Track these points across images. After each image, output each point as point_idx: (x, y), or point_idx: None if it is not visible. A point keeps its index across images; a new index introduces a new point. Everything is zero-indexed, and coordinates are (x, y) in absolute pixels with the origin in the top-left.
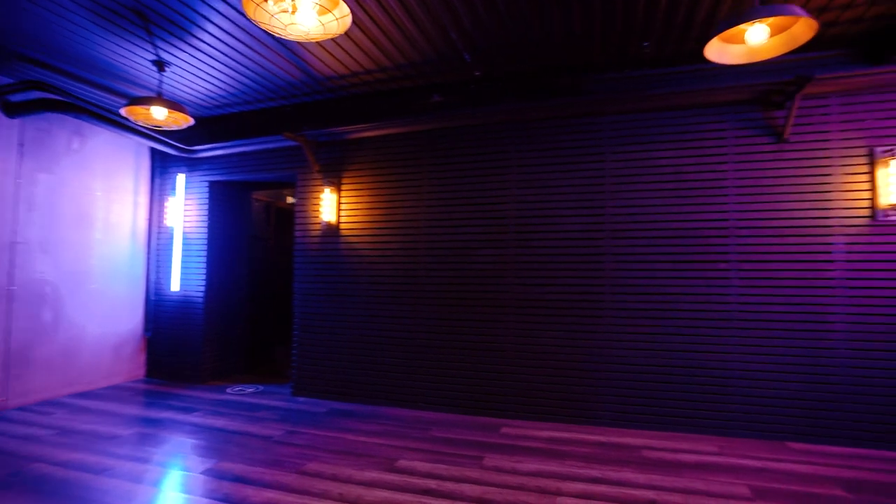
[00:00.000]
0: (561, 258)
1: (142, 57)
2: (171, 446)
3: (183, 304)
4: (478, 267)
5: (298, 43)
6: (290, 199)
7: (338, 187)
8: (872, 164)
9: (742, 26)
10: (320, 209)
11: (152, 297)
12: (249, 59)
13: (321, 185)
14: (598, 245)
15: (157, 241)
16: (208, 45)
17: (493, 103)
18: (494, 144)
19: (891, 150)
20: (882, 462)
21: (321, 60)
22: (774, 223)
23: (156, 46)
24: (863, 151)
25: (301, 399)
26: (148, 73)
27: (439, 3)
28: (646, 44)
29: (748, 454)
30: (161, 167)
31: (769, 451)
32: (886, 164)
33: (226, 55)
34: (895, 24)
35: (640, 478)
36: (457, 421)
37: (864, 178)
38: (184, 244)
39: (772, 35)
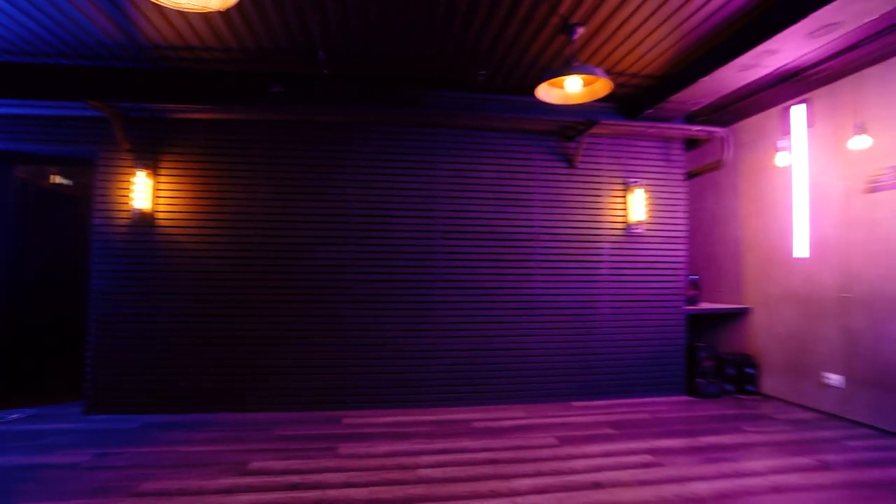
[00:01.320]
0: (398, 256)
1: None
2: None
3: None
4: (319, 263)
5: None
6: (57, 179)
7: (155, 171)
8: (626, 191)
9: (564, 77)
10: (130, 195)
11: None
12: (53, 2)
13: (132, 168)
14: (431, 244)
15: None
16: None
17: (337, 102)
18: (338, 143)
19: (635, 181)
20: (634, 406)
21: (154, 25)
22: (566, 231)
23: None
24: (620, 181)
25: (99, 417)
26: None
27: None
28: (482, 72)
29: (547, 414)
30: None
31: (561, 410)
32: (633, 192)
33: None
34: (644, 92)
35: (476, 444)
36: (297, 418)
37: (621, 200)
38: None
39: (583, 87)
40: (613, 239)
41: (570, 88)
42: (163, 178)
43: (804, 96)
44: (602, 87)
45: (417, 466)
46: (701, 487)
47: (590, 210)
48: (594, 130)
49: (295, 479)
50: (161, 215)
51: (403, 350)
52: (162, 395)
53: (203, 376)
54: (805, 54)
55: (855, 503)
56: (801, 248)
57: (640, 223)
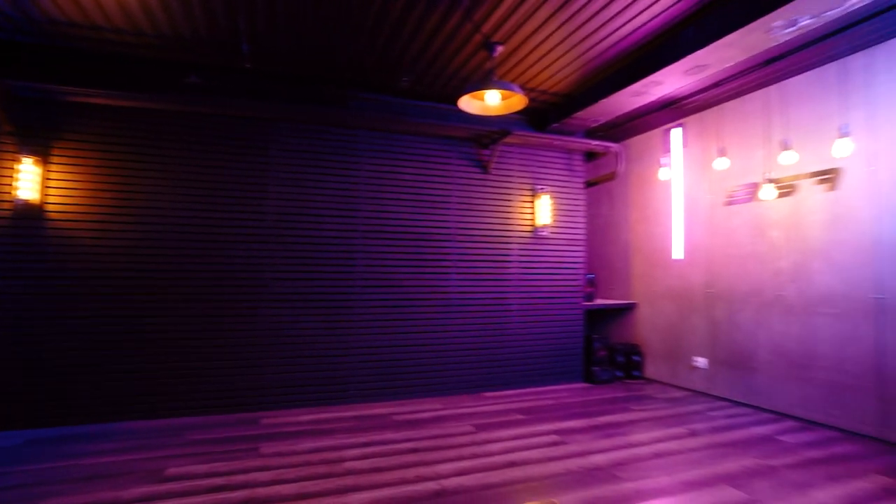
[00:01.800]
0: (318, 255)
1: None
2: None
3: None
4: (236, 261)
5: None
6: None
7: (45, 159)
8: (533, 196)
9: (485, 91)
10: (13, 184)
11: None
12: None
13: (15, 153)
14: (352, 244)
15: None
16: None
17: (259, 98)
18: (258, 140)
19: (542, 188)
20: (540, 394)
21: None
22: (480, 232)
23: None
24: (529, 187)
25: None
26: None
27: None
28: (406, 79)
29: (462, 405)
30: None
31: (474, 401)
32: (539, 198)
33: None
34: (551, 107)
35: (398, 435)
36: (213, 422)
37: (529, 205)
38: None
39: (501, 100)
40: (522, 241)
41: (490, 101)
42: (56, 167)
43: (681, 121)
44: (518, 101)
45: (343, 459)
46: (599, 459)
47: (501, 213)
48: (507, 140)
49: (219, 481)
50: (53, 208)
51: (323, 348)
52: (55, 407)
53: (106, 383)
54: (682, 87)
55: (715, 459)
56: (677, 251)
57: (545, 226)
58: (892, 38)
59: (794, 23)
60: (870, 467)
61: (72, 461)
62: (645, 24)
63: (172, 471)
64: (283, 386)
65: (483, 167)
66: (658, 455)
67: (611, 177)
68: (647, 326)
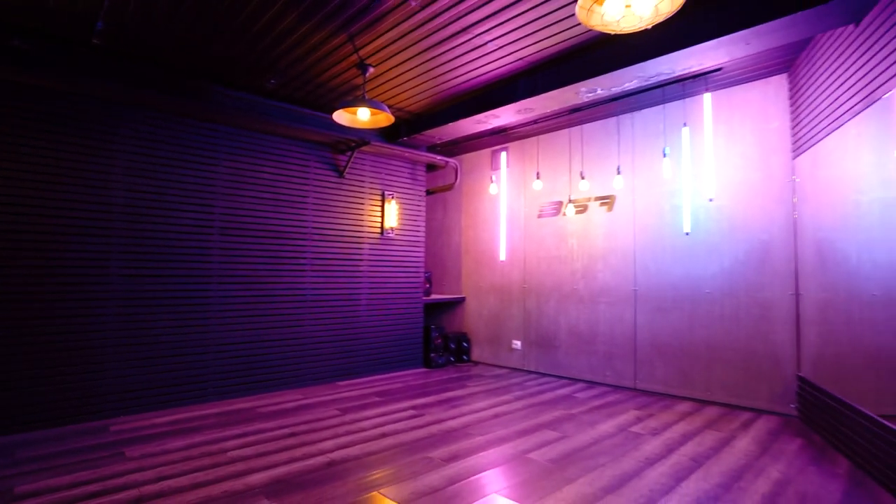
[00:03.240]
0: (172, 251)
1: None
2: None
3: None
4: (74, 257)
5: None
6: None
7: None
8: (383, 201)
9: (357, 107)
10: None
11: None
12: None
13: None
14: (208, 240)
15: None
16: None
17: (105, 78)
18: (105, 123)
19: (391, 194)
20: (389, 379)
21: None
22: (335, 232)
23: None
24: (380, 193)
25: None
26: None
27: None
28: (273, 80)
29: (321, 394)
30: None
31: (331, 390)
32: (388, 202)
33: None
34: (404, 123)
35: (271, 424)
36: (50, 436)
37: (379, 209)
38: None
39: (370, 116)
40: (372, 241)
41: (361, 116)
42: None
43: (507, 145)
44: (385, 119)
45: (225, 450)
46: (453, 423)
47: (354, 215)
48: (363, 148)
49: (94, 487)
50: None
51: (178, 347)
52: None
53: None
54: (513, 121)
55: (535, 414)
56: (503, 253)
57: (392, 229)
58: (644, 108)
59: (593, 90)
60: (629, 406)
61: None
62: (490, 72)
63: (23, 488)
64: (131, 389)
65: (339, 171)
66: (496, 416)
67: (449, 187)
68: (475, 316)
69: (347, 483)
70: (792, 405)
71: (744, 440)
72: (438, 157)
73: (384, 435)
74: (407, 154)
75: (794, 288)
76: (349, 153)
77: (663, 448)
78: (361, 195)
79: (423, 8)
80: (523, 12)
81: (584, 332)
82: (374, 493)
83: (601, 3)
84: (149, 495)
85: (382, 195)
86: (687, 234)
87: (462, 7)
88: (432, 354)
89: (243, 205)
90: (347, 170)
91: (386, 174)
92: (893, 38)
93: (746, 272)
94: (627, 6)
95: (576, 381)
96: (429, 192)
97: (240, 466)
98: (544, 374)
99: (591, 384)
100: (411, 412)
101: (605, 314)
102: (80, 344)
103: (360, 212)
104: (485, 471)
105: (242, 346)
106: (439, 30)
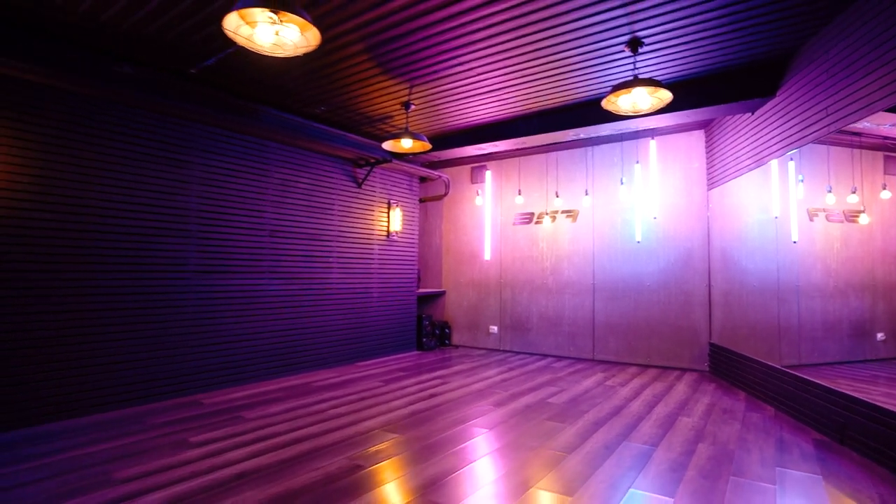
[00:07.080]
0: (233, 250)
1: None
2: None
3: None
4: (161, 255)
5: None
6: None
7: None
8: (389, 208)
9: (402, 138)
10: None
11: None
12: None
13: None
14: (261, 242)
15: None
16: None
17: (196, 103)
18: (184, 139)
19: (395, 202)
20: (398, 359)
21: None
22: (354, 234)
23: None
24: (386, 201)
25: None
26: None
27: None
28: (322, 108)
29: (350, 372)
30: None
31: (354, 369)
32: (393, 210)
33: None
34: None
35: (335, 393)
36: (157, 408)
37: (386, 215)
38: None
39: (413, 143)
40: (381, 242)
41: (404, 144)
42: None
43: (486, 163)
44: (421, 146)
45: (321, 410)
46: (478, 385)
47: (368, 220)
48: (381, 164)
49: (247, 437)
50: None
51: (234, 335)
52: None
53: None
54: (503, 149)
55: (530, 379)
56: (487, 253)
57: (396, 232)
58: (601, 144)
59: (577, 134)
60: (596, 371)
61: (12, 466)
62: (493, 115)
63: (196, 438)
64: (209, 370)
65: (357, 183)
66: (504, 380)
67: (440, 197)
68: (454, 307)
69: (440, 421)
70: (706, 364)
71: (680, 386)
72: (434, 172)
73: (434, 395)
74: (409, 169)
75: (708, 281)
76: (368, 168)
77: (632, 393)
78: (373, 203)
79: (466, 71)
80: (526, 83)
81: (552, 316)
82: (467, 424)
83: (618, 96)
84: (303, 438)
85: (388, 203)
86: (639, 242)
87: (492, 77)
88: (424, 339)
89: (286, 211)
90: (365, 181)
91: (391, 185)
92: (776, 126)
93: (675, 270)
94: (633, 104)
95: (546, 356)
96: (421, 201)
97: (345, 420)
98: (519, 353)
99: (559, 357)
100: (438, 381)
101: (569, 302)
102: (169, 331)
103: (372, 217)
104: (529, 407)
105: (286, 332)
106: (467, 85)
